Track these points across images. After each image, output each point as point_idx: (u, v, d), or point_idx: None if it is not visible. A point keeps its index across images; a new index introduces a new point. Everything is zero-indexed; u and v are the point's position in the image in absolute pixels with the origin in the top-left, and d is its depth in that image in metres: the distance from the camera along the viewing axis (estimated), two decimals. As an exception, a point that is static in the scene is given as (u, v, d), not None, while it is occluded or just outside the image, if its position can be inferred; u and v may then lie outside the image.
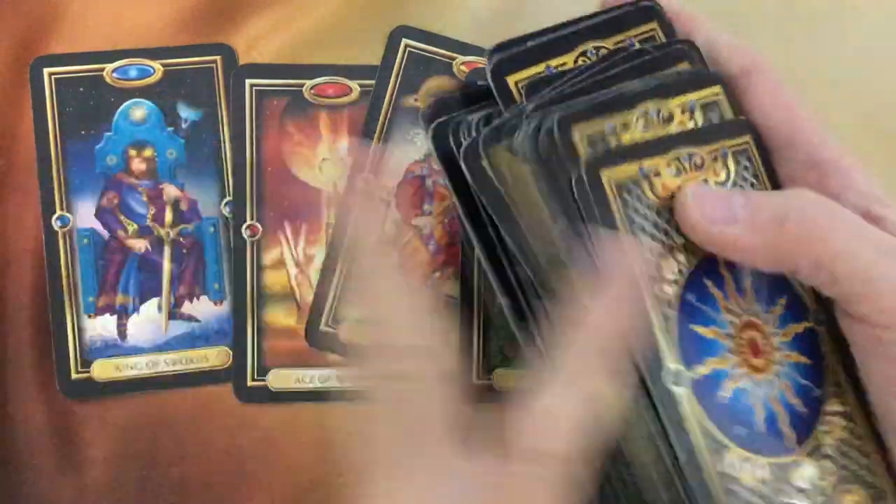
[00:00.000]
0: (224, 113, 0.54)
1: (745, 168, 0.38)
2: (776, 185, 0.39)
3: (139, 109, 0.54)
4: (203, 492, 0.53)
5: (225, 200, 0.54)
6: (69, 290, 0.53)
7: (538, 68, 0.39)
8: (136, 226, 0.54)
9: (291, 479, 0.52)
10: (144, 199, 0.54)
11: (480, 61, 0.54)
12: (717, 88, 0.39)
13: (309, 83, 0.54)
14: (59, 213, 0.53)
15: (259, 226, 0.53)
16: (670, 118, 0.37)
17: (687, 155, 0.36)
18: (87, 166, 0.53)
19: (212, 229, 0.54)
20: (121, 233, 0.54)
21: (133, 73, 0.54)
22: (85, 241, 0.53)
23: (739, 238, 0.35)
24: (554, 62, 0.39)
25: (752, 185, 0.38)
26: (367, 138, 0.54)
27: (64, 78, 0.54)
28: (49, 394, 0.53)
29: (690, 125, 0.37)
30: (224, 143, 0.54)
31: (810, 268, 0.35)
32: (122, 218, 0.54)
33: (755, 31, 0.55)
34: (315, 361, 0.53)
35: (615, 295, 0.33)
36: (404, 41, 0.54)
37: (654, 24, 0.41)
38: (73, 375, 0.53)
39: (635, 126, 0.36)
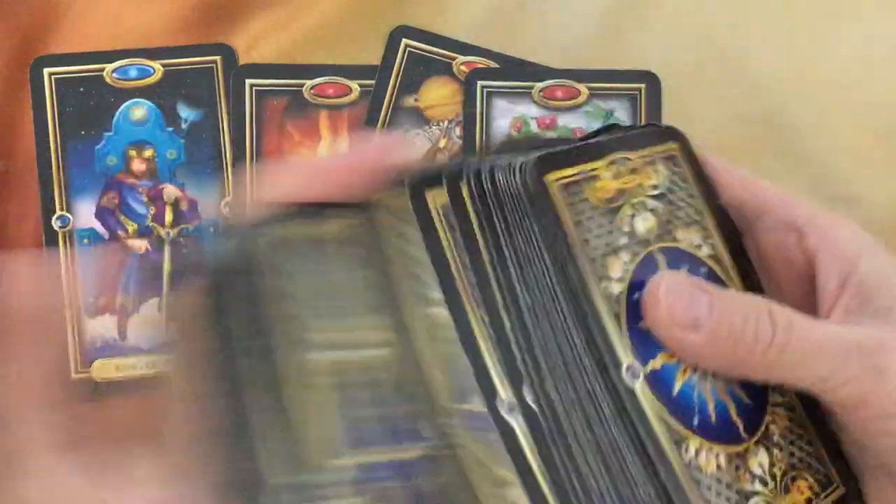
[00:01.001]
0: (224, 113, 0.54)
1: (675, 173, 0.39)
2: (709, 190, 0.40)
3: (139, 109, 0.54)
4: (203, 492, 0.53)
5: (226, 200, 0.54)
6: (69, 290, 0.53)
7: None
8: (136, 226, 0.54)
9: (291, 479, 0.52)
10: (144, 199, 0.54)
11: (481, 61, 0.54)
12: (673, 144, 0.39)
13: (309, 83, 0.54)
14: (59, 213, 0.53)
15: (259, 226, 0.53)
16: (636, 170, 0.38)
17: (622, 159, 0.37)
18: (87, 166, 0.54)
19: (212, 229, 0.54)
20: (121, 233, 0.54)
21: (133, 73, 0.54)
22: (85, 241, 0.53)
23: (699, 346, 0.34)
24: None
25: (682, 188, 0.39)
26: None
27: (64, 78, 0.54)
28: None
29: (654, 178, 0.38)
30: (224, 143, 0.54)
31: (768, 380, 0.35)
32: (122, 218, 0.54)
33: (755, 31, 0.55)
34: (315, 361, 0.53)
35: None
36: (404, 41, 0.54)
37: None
38: (73, 375, 0.53)
39: (605, 174, 0.37)
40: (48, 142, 0.53)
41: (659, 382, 0.35)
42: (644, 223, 0.37)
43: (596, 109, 0.54)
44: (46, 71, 0.53)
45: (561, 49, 0.54)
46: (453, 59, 0.54)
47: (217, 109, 0.54)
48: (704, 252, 0.39)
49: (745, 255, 0.40)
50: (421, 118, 0.54)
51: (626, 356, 0.34)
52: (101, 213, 0.53)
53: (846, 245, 0.38)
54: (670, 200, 0.39)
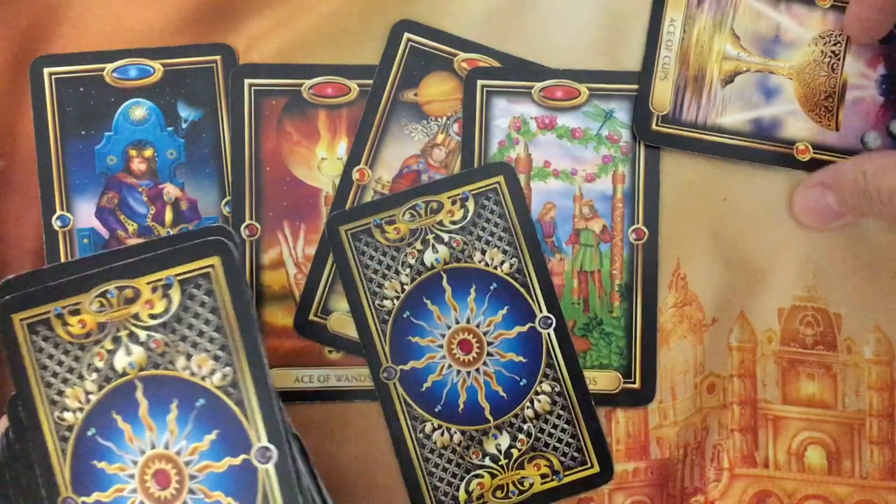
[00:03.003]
0: (224, 113, 0.54)
1: (189, 292, 0.41)
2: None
3: (139, 109, 0.54)
4: (202, 492, 0.53)
5: (225, 200, 0.54)
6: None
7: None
8: (136, 226, 0.54)
9: (291, 479, 0.52)
10: (144, 199, 0.54)
11: (482, 59, 0.54)
12: (213, 259, 0.42)
13: (308, 83, 0.54)
14: (59, 213, 0.53)
15: (258, 225, 0.53)
16: (133, 298, 0.41)
17: (118, 287, 0.41)
18: (87, 166, 0.54)
19: (211, 229, 0.54)
20: (121, 233, 0.54)
21: (133, 73, 0.54)
22: (85, 241, 0.53)
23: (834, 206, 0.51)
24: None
25: (200, 309, 0.41)
26: (364, 131, 0.54)
27: (64, 78, 0.54)
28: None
29: (159, 305, 0.40)
30: (224, 142, 0.54)
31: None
32: (122, 218, 0.54)
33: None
34: (314, 361, 0.53)
35: None
36: (406, 35, 0.54)
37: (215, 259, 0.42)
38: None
39: (88, 307, 0.40)
40: (48, 142, 0.53)
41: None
42: (125, 357, 0.39)
43: (596, 109, 0.54)
44: (46, 71, 0.54)
45: (561, 49, 0.55)
46: (454, 55, 0.54)
47: (217, 109, 0.54)
48: (216, 380, 0.40)
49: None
50: (420, 113, 0.54)
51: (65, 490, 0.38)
52: (101, 213, 0.54)
53: None
54: (175, 328, 0.40)
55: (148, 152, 0.54)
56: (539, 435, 0.50)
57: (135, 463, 0.39)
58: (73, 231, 0.53)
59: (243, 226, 0.53)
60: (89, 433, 0.39)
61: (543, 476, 0.50)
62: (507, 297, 0.51)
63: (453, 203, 0.51)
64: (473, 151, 0.53)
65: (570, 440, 0.51)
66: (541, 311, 0.51)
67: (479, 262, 0.50)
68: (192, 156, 0.54)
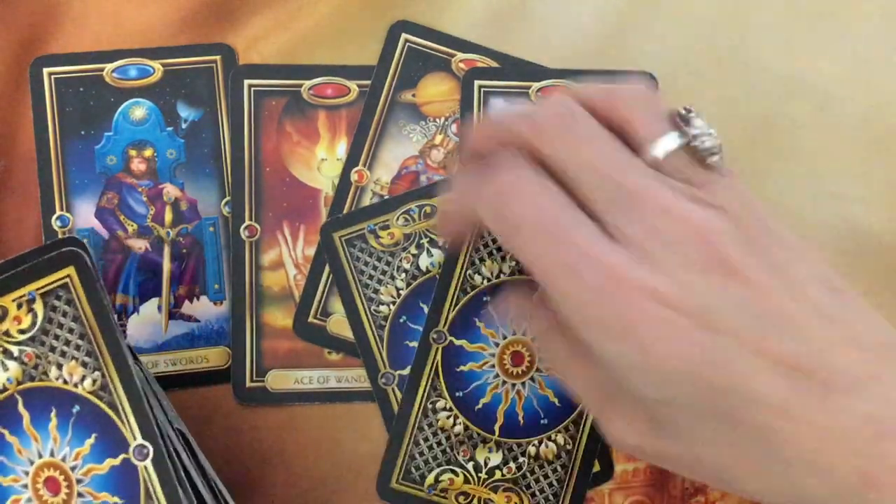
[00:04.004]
0: (224, 113, 0.54)
1: (58, 308, 0.43)
2: (102, 317, 0.44)
3: (139, 109, 0.54)
4: (202, 492, 0.53)
5: (225, 200, 0.54)
6: (68, 291, 0.53)
7: None
8: (135, 226, 0.54)
9: (291, 480, 0.52)
10: (144, 199, 0.54)
11: (480, 59, 0.54)
12: (67, 270, 0.42)
13: (307, 83, 0.54)
14: (59, 213, 0.53)
15: (257, 226, 0.53)
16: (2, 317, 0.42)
17: None
18: (87, 166, 0.54)
19: (211, 229, 0.54)
20: (121, 233, 0.54)
21: (133, 73, 0.54)
22: (85, 241, 0.53)
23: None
24: None
25: (65, 321, 0.43)
26: (362, 132, 0.54)
27: (64, 78, 0.54)
28: (48, 394, 0.53)
29: (25, 321, 0.42)
30: (224, 143, 0.54)
31: None
32: (121, 218, 0.54)
33: (755, 31, 0.55)
34: (314, 362, 0.53)
35: None
36: (404, 35, 0.54)
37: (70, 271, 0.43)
38: (72, 375, 0.53)
39: None
40: (48, 142, 0.53)
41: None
42: (3, 373, 0.41)
43: (596, 110, 0.54)
44: (46, 71, 0.54)
45: (560, 49, 0.54)
46: (452, 55, 0.54)
47: (217, 109, 0.54)
48: (87, 386, 0.41)
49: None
50: (418, 114, 0.54)
51: None
52: (100, 213, 0.54)
53: None
54: (44, 340, 0.42)
55: (148, 152, 0.54)
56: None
57: (26, 473, 0.41)
58: (72, 231, 0.53)
59: (243, 226, 0.53)
60: None
61: None
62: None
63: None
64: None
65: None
66: None
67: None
68: (191, 156, 0.54)
